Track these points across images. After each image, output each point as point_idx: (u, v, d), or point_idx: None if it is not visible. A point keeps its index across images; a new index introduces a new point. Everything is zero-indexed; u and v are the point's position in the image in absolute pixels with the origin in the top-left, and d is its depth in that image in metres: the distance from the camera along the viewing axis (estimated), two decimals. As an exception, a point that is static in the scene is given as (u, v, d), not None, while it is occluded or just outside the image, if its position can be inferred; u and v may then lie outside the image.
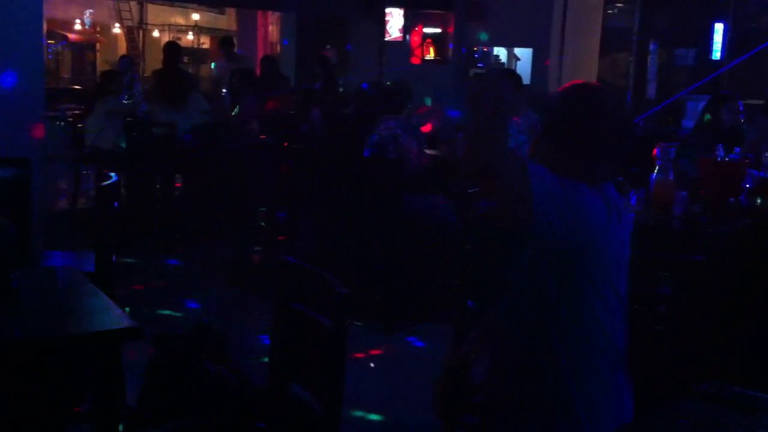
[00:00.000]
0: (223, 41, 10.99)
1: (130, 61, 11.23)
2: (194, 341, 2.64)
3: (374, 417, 4.08)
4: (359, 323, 5.18)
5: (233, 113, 8.00)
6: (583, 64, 10.07)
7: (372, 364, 4.76)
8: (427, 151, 6.68)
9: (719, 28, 10.17)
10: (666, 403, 1.49)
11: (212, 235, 7.25)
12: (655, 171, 4.53)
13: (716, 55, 10.16)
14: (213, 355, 2.60)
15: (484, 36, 10.52)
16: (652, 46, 10.90)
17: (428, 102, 8.91)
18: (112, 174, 4.21)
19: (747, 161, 5.20)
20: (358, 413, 4.01)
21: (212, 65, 10.63)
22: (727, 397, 1.48)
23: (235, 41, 12.08)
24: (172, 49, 8.77)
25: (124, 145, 7.51)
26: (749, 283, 3.61)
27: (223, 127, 7.80)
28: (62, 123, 8.97)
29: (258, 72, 9.62)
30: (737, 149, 5.33)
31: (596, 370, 2.27)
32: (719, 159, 5.06)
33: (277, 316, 2.81)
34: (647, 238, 3.76)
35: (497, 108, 2.18)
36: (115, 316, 2.43)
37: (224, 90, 9.27)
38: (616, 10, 11.35)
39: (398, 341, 5.18)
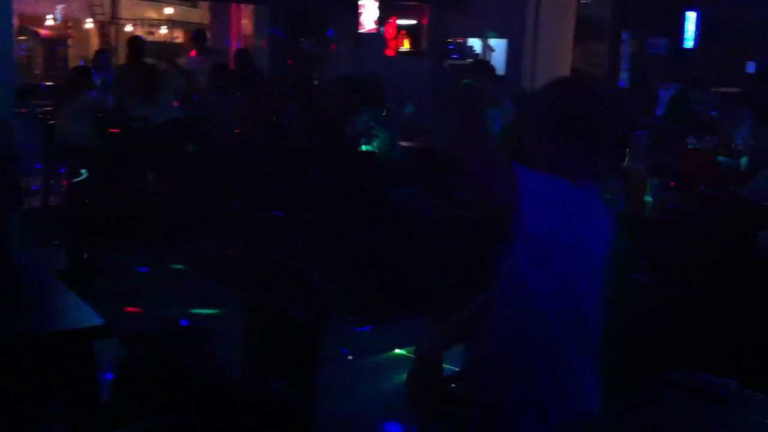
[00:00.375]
0: (196, 35, 10.90)
1: (108, 56, 11.12)
2: (169, 337, 2.62)
3: (348, 408, 4.07)
4: (339, 316, 5.17)
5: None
6: (558, 54, 10.08)
7: (351, 357, 4.75)
8: (404, 143, 6.68)
9: (691, 16, 10.22)
10: (634, 391, 1.48)
11: (192, 229, 7.22)
12: (626, 160, 4.55)
13: (688, 43, 10.22)
14: (190, 350, 2.58)
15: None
16: (624, 35, 10.94)
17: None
18: (83, 170, 4.17)
19: (720, 149, 5.24)
20: (337, 405, 4.00)
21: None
22: (695, 385, 1.48)
23: (209, 35, 11.99)
24: (136, 43, 8.76)
25: (95, 140, 7.43)
26: (727, 274, 3.63)
27: (204, 122, 7.76)
28: (33, 119, 8.86)
29: (232, 65, 9.56)
30: (708, 137, 5.37)
31: (584, 363, 2.27)
32: (690, 147, 5.10)
33: (255, 310, 2.80)
34: (622, 227, 3.77)
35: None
36: (84, 315, 2.40)
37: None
38: (590, 0, 11.37)
39: (377, 334, 5.18)
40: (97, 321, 2.38)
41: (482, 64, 7.74)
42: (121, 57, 15.67)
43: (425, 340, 2.69)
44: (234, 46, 13.94)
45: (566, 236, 2.19)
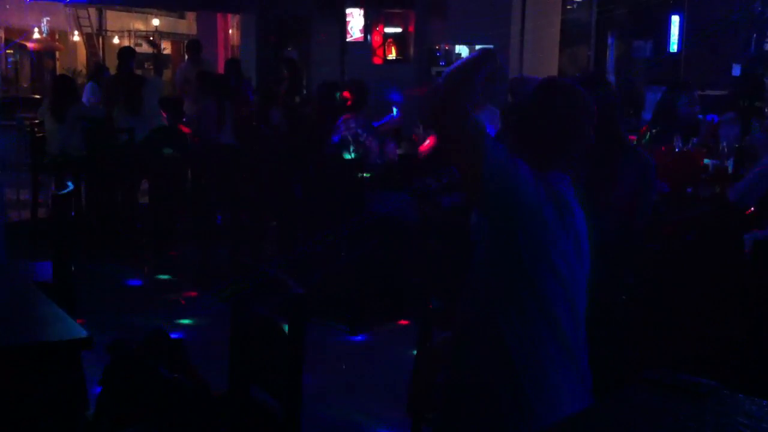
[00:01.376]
0: (190, 44, 10.92)
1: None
2: (149, 348, 2.61)
3: (339, 416, 4.07)
4: (324, 323, 5.18)
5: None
6: (544, 59, 10.12)
7: (337, 364, 4.75)
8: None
9: (676, 20, 10.28)
10: (613, 391, 1.49)
11: (177, 239, 7.22)
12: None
13: (673, 47, 10.28)
14: (169, 361, 2.57)
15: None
16: (610, 39, 10.99)
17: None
18: (69, 182, 4.15)
19: (705, 151, 5.26)
20: (324, 412, 4.00)
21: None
22: (673, 384, 1.48)
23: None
24: (126, 53, 8.75)
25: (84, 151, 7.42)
26: (712, 275, 3.64)
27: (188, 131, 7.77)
28: (20, 131, 8.85)
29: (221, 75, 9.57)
30: (695, 140, 5.39)
31: (543, 359, 2.26)
32: (677, 149, 5.12)
33: (236, 319, 2.80)
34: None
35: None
36: (67, 327, 2.39)
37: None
38: (575, 5, 11.43)
39: (363, 340, 5.18)
40: (81, 333, 2.37)
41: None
42: (110, 69, 15.67)
43: (417, 346, 2.70)
44: (221, 55, 13.95)
45: (525, 213, 2.21)
